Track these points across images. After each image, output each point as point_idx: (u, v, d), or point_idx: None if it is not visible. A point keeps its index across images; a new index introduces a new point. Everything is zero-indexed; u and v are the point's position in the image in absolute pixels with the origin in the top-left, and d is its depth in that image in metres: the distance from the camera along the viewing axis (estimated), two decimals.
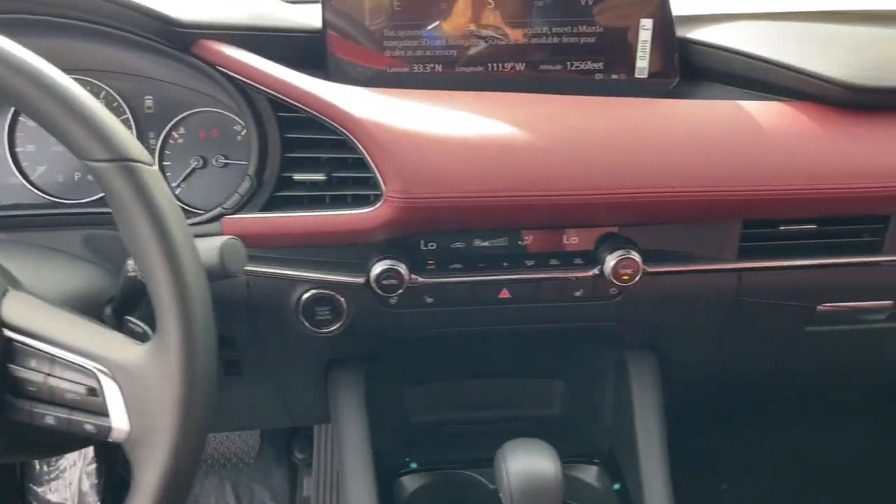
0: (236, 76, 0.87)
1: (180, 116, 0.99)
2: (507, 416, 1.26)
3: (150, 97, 0.99)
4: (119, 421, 0.61)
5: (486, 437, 1.01)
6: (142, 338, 0.68)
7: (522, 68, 0.98)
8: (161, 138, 0.99)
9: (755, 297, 1.00)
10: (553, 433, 0.99)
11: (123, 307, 0.78)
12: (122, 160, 0.58)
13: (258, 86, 0.86)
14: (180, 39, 0.87)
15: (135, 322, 0.72)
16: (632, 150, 0.87)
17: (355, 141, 0.85)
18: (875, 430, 1.65)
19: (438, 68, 0.98)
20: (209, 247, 0.70)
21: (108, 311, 0.80)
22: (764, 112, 0.91)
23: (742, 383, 1.28)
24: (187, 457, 0.61)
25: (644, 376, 1.11)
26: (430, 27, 0.96)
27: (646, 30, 0.96)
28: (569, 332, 1.09)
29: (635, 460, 1.09)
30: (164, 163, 1.00)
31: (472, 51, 0.97)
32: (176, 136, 0.99)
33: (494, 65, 0.98)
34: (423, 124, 0.86)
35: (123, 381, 0.61)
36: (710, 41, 0.98)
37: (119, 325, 0.76)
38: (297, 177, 0.90)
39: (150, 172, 0.60)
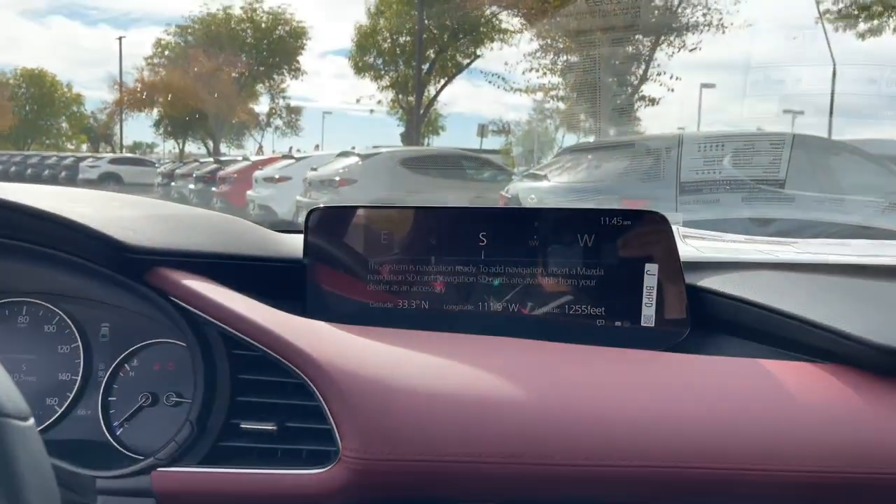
0: (186, 306, 0.78)
1: (134, 347, 0.90)
2: None
3: (106, 325, 0.92)
4: None
5: None
6: None
7: (517, 309, 0.89)
8: (109, 371, 0.89)
9: None
10: None
11: None
12: None
13: (208, 317, 0.77)
14: (133, 266, 0.79)
15: None
16: (638, 414, 0.74)
17: (313, 386, 0.73)
18: None
19: (425, 305, 0.90)
20: None
21: None
22: (790, 374, 0.79)
23: None
24: None
25: None
26: (419, 262, 0.90)
27: (651, 275, 0.87)
28: None
29: None
30: (110, 398, 0.90)
31: (464, 289, 0.89)
32: (128, 368, 0.91)
33: (486, 304, 0.89)
34: (394, 371, 0.75)
35: None
36: (724, 290, 0.89)
37: None
38: (245, 425, 0.78)
39: (18, 429, 0.48)
